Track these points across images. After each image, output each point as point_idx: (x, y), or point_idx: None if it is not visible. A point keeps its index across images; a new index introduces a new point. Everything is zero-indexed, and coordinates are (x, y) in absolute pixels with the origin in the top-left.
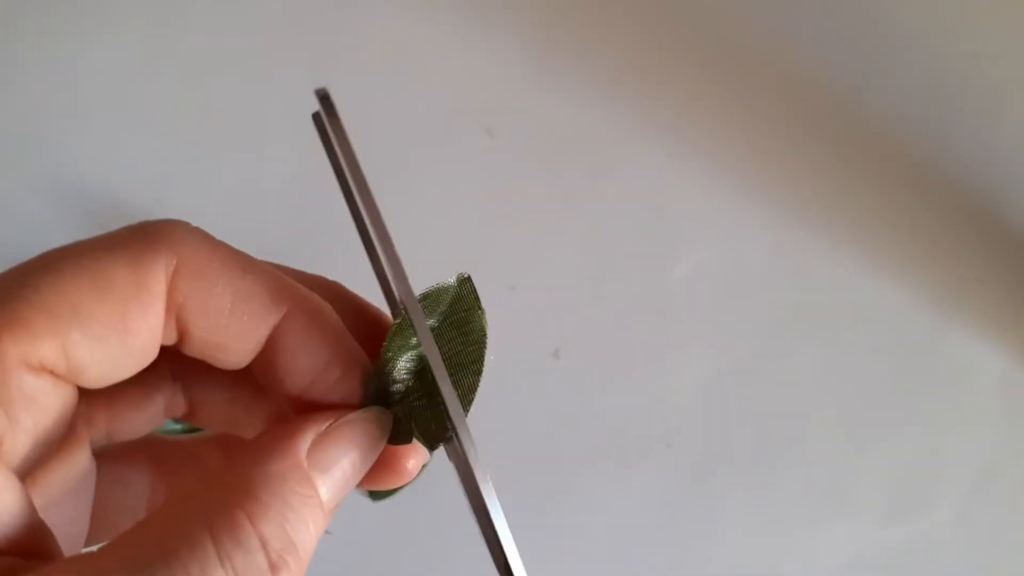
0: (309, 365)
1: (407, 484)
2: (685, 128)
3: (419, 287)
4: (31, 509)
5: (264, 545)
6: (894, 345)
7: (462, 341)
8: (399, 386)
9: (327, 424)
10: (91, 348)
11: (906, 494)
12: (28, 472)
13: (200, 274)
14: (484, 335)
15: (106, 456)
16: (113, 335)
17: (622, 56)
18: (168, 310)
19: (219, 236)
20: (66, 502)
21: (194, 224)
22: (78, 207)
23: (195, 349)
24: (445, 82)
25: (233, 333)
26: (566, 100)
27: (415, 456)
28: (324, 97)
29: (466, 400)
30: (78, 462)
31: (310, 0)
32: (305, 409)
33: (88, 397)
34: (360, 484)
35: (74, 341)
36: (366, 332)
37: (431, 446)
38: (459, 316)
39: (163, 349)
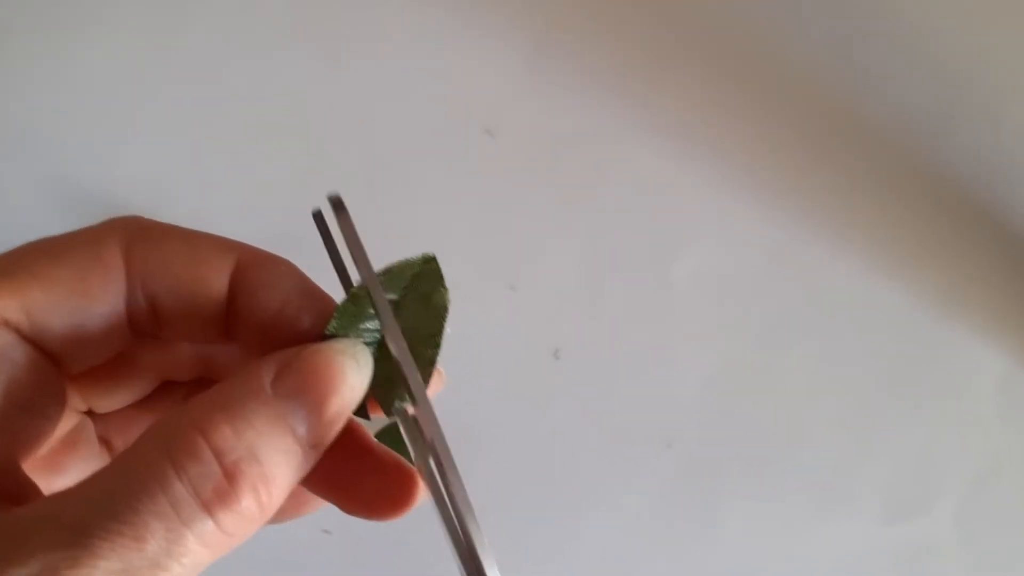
0: (269, 296)
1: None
2: (685, 129)
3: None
4: (9, 458)
5: (218, 456)
6: (894, 345)
7: (424, 314)
8: (366, 326)
9: (293, 356)
10: (52, 309)
11: (906, 494)
12: (10, 429)
13: (153, 241)
14: (445, 309)
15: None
16: (74, 297)
17: (622, 56)
18: (130, 278)
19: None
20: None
21: (194, 224)
22: (78, 207)
23: (167, 315)
24: (445, 82)
25: (195, 283)
26: (566, 100)
27: (417, 491)
28: (338, 203)
29: (426, 373)
30: (86, 458)
31: (311, 1)
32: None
33: (105, 420)
34: (363, 511)
35: (35, 299)
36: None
37: (387, 410)
38: (423, 291)
39: (171, 382)
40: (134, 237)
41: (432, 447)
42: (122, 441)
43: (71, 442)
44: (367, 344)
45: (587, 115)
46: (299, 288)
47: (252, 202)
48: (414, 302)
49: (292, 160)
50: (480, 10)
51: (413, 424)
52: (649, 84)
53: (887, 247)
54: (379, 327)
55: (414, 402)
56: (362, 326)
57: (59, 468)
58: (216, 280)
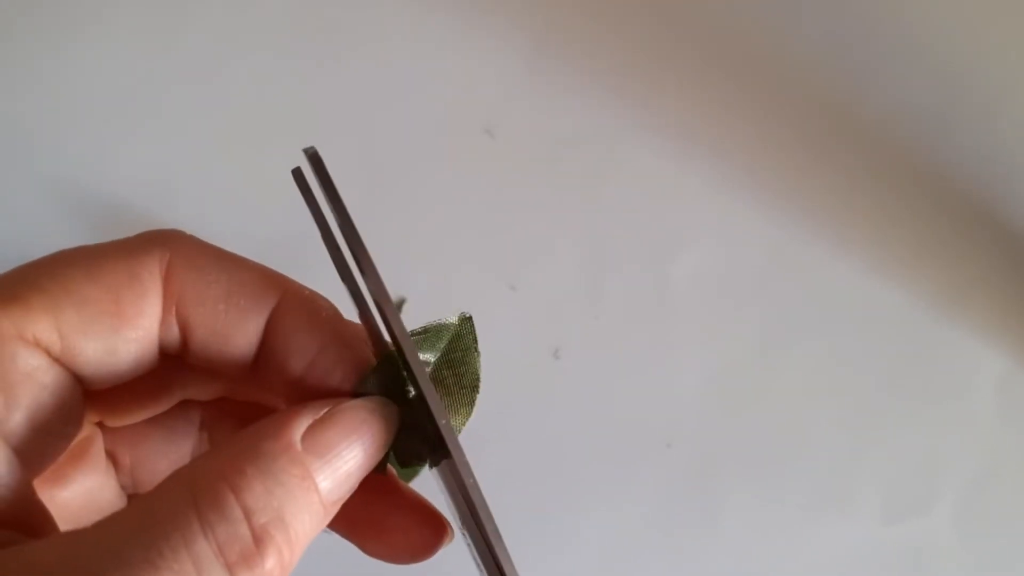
0: (305, 346)
1: (407, 483)
2: (685, 128)
3: (417, 293)
4: (27, 485)
5: (247, 516)
6: (894, 345)
7: (455, 383)
8: (397, 388)
9: (324, 410)
10: (85, 329)
11: (906, 494)
12: (30, 453)
13: (193, 265)
14: (477, 380)
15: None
16: (107, 319)
17: (622, 56)
18: (166, 302)
19: (219, 237)
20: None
21: (195, 224)
22: (78, 208)
23: (199, 345)
24: (445, 82)
25: (232, 320)
26: (566, 100)
27: (445, 536)
28: (313, 156)
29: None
30: (101, 491)
31: (311, 2)
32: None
33: (116, 433)
34: (390, 556)
35: (67, 319)
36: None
37: (425, 464)
38: (456, 356)
39: (189, 401)
40: (175, 260)
41: (468, 499)
42: (129, 457)
43: (78, 454)
44: (396, 402)
45: (587, 115)
46: (339, 337)
47: (253, 202)
48: (446, 367)
49: (293, 160)
50: (480, 10)
51: (447, 473)
52: (649, 84)
53: (887, 247)
54: (408, 387)
55: (447, 454)
56: (392, 387)
57: (63, 480)
58: (254, 316)
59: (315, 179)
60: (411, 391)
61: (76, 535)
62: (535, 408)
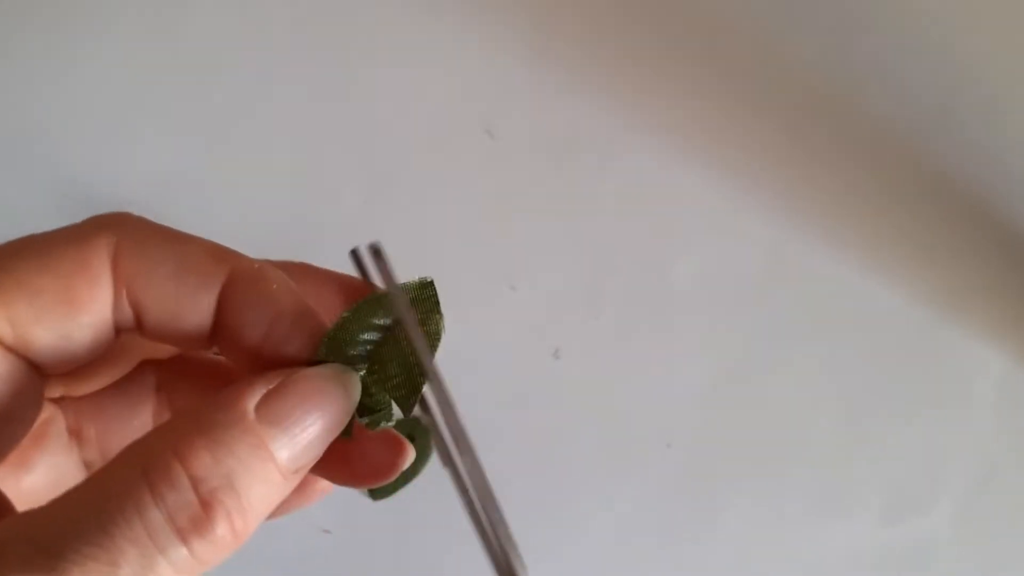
0: (256, 317)
1: (406, 483)
2: (685, 128)
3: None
4: None
5: (195, 484)
6: (894, 345)
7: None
8: (356, 352)
9: (279, 380)
10: (38, 319)
11: (906, 494)
12: None
13: (141, 247)
14: (439, 338)
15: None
16: (60, 307)
17: (622, 56)
18: (116, 285)
19: (219, 235)
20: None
21: (196, 223)
22: (78, 207)
23: (152, 324)
24: (445, 82)
25: (182, 297)
26: (566, 100)
27: (405, 455)
28: (377, 252)
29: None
30: (66, 471)
31: (311, 2)
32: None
33: (76, 407)
34: (352, 481)
35: (19, 311)
36: (341, 298)
37: (404, 411)
38: (420, 317)
39: (145, 362)
40: (123, 243)
41: (457, 443)
42: (93, 429)
43: (39, 435)
44: (356, 368)
45: (587, 115)
46: (290, 308)
47: (253, 202)
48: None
49: (293, 160)
50: (480, 10)
51: (434, 429)
52: (649, 84)
53: (887, 248)
54: (366, 353)
55: (428, 411)
56: (351, 352)
57: (26, 464)
58: (205, 294)
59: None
60: (373, 339)
61: (32, 513)
62: (535, 408)
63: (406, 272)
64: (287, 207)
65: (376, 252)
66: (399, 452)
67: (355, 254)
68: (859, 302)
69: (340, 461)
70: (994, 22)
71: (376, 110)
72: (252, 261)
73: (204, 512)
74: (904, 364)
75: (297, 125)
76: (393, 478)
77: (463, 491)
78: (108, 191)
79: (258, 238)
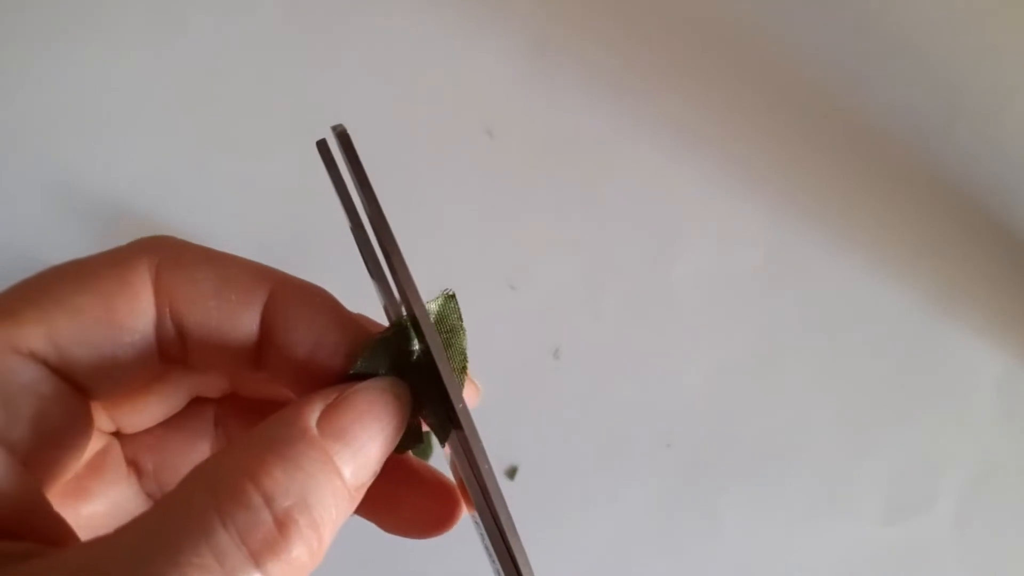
0: (304, 331)
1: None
2: (684, 128)
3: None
4: (37, 494)
5: (268, 502)
6: (894, 345)
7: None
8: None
9: (336, 395)
10: (80, 338)
11: (906, 494)
12: (38, 464)
13: (182, 266)
14: (465, 360)
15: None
16: (101, 326)
17: (622, 57)
18: (158, 305)
19: (220, 238)
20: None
21: (196, 222)
22: (78, 208)
23: (197, 344)
24: (445, 82)
25: (225, 315)
26: (566, 101)
27: (458, 510)
28: (342, 134)
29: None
30: (125, 501)
31: (311, 2)
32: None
33: (134, 441)
34: (402, 528)
35: (61, 330)
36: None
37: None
38: (443, 337)
39: (201, 399)
40: (163, 263)
41: (483, 485)
42: (151, 462)
43: (97, 466)
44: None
45: (587, 115)
46: (335, 324)
47: (253, 201)
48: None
49: (293, 160)
50: (480, 11)
51: (457, 446)
52: (649, 84)
53: (887, 247)
54: (391, 365)
55: (457, 426)
56: (387, 362)
57: (85, 494)
58: (247, 310)
59: (342, 157)
60: (416, 350)
61: (97, 541)
62: (535, 408)
63: (402, 249)
64: (283, 208)
65: (344, 139)
66: (454, 509)
67: (322, 146)
68: (859, 301)
69: (395, 510)
70: (994, 22)
71: (376, 110)
72: (294, 278)
73: (279, 532)
74: (904, 364)
75: (296, 125)
76: (445, 531)
77: (482, 510)
78: (105, 192)
79: (255, 239)
